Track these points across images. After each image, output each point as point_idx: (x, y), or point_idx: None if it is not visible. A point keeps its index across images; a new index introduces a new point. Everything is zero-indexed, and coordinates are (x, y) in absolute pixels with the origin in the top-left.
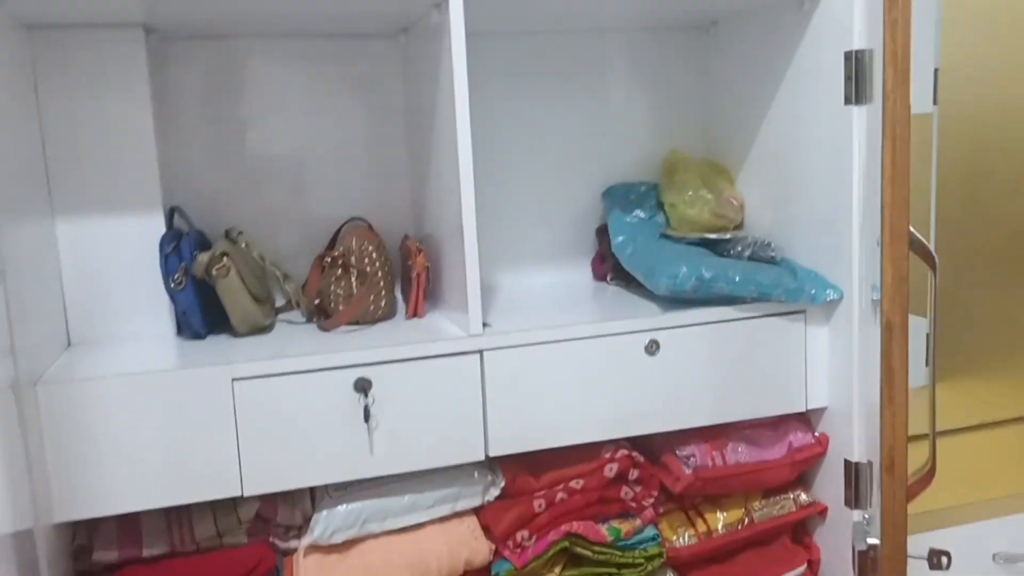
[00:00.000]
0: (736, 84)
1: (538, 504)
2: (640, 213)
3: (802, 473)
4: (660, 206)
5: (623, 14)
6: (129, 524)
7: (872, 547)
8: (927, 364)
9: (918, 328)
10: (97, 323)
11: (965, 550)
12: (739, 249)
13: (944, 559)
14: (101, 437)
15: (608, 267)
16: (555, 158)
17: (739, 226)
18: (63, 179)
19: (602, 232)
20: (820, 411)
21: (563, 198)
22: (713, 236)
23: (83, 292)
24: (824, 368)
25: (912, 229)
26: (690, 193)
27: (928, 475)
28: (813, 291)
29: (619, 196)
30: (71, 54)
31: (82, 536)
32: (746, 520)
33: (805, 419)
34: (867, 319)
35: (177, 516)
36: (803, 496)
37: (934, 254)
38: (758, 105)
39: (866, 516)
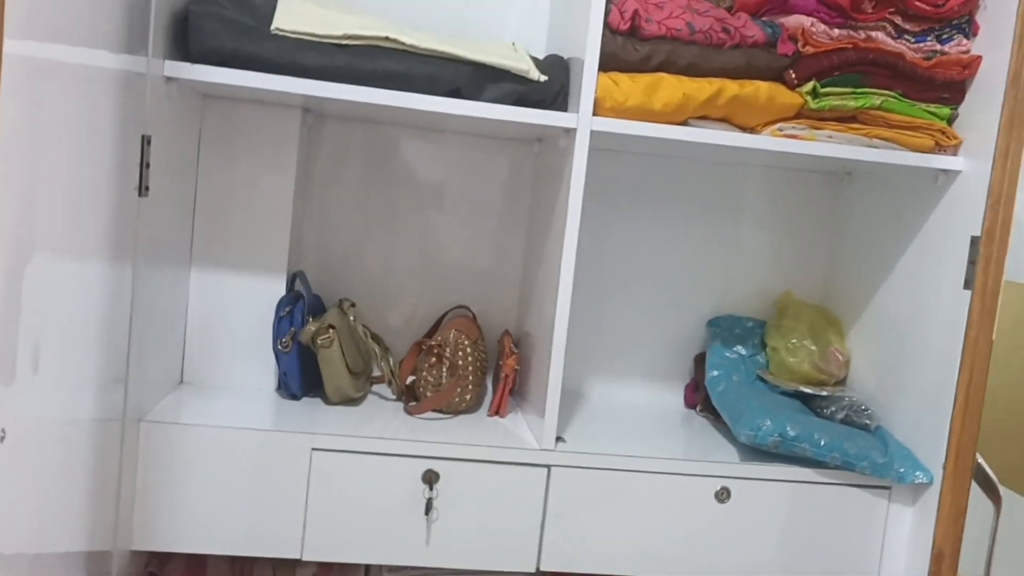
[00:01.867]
0: (862, 239)
1: None
2: (741, 349)
3: None
4: (763, 346)
5: (764, 157)
6: (196, 563)
7: None
8: None
9: None
10: (209, 367)
11: None
12: (833, 409)
13: None
14: (187, 478)
15: (699, 397)
16: (668, 279)
17: (841, 382)
18: (206, 233)
19: (700, 360)
20: None
21: (668, 320)
22: (809, 390)
23: (202, 338)
24: (903, 548)
25: (982, 461)
26: (794, 341)
27: None
28: (902, 470)
29: (724, 328)
30: (235, 123)
31: (154, 565)
32: None
33: None
34: None
35: (240, 565)
36: None
37: (999, 490)
38: (881, 266)
39: None
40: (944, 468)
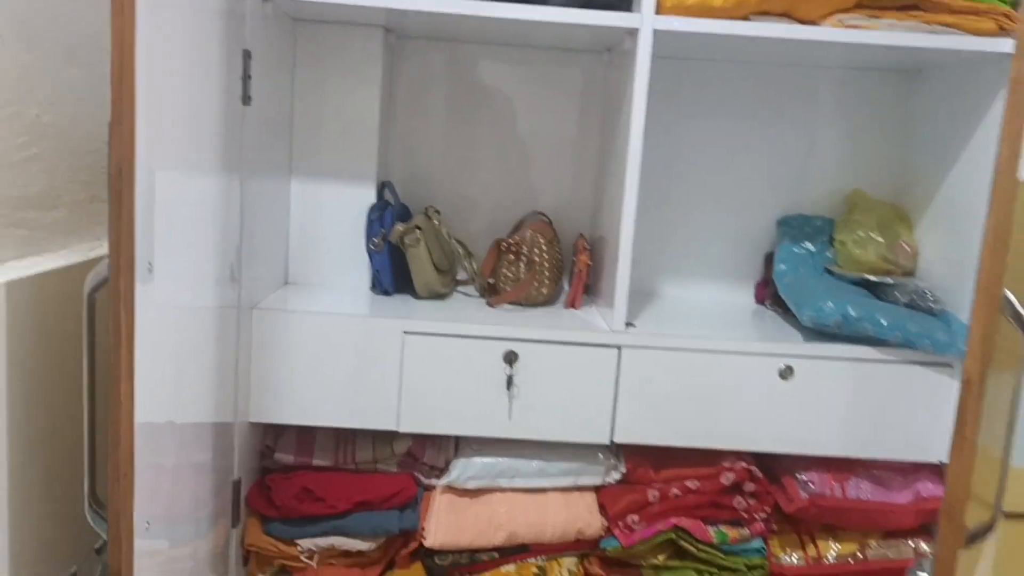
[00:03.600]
0: (932, 133)
1: (653, 495)
2: (809, 246)
3: (926, 523)
4: (832, 243)
5: (830, 57)
6: (306, 436)
7: None
8: None
9: None
10: (311, 268)
11: None
12: (898, 295)
13: None
14: (296, 360)
15: (768, 292)
16: (738, 180)
17: (909, 273)
18: (302, 147)
19: (770, 259)
20: None
21: (740, 220)
22: (874, 278)
23: (304, 242)
24: None
25: (1011, 295)
26: (861, 233)
27: (989, 525)
28: (965, 347)
29: (793, 226)
30: (324, 44)
31: (269, 439)
32: (859, 555)
33: (939, 471)
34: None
35: (344, 438)
36: (923, 545)
37: None
38: (950, 160)
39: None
40: (973, 296)
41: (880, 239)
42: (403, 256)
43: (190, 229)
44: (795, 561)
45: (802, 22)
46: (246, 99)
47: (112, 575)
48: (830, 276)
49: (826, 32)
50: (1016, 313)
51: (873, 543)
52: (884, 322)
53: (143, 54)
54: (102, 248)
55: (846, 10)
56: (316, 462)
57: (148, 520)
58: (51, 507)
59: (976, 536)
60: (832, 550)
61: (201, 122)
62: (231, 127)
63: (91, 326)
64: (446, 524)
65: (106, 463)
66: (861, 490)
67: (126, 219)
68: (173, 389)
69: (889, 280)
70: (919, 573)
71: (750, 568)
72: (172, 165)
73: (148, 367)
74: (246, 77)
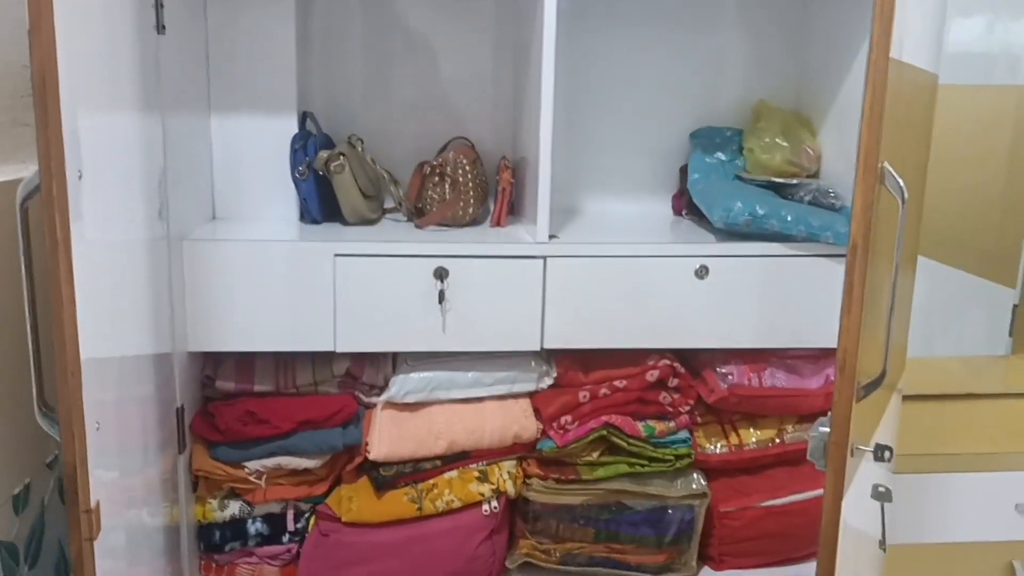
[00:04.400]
0: (829, 40)
1: (583, 396)
2: (721, 155)
3: None
4: (742, 151)
5: None
6: (245, 363)
7: (823, 435)
8: (1010, 335)
9: (1005, 297)
10: (237, 202)
11: (989, 497)
12: (801, 194)
13: (887, 453)
14: (229, 288)
15: (684, 202)
16: (651, 97)
17: (814, 175)
18: (220, 80)
19: (685, 170)
20: None
21: (654, 135)
22: (780, 180)
23: (228, 176)
24: None
25: (887, 165)
26: (767, 140)
27: (879, 378)
28: None
29: (705, 138)
30: None
31: (209, 368)
32: (777, 440)
33: None
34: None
35: (283, 363)
36: None
37: (903, 188)
38: (845, 62)
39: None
40: (856, 170)
41: (785, 144)
42: (330, 185)
43: (114, 162)
44: (719, 449)
45: None
46: (160, 28)
47: (66, 474)
48: (740, 182)
49: None
50: (893, 181)
51: (790, 427)
52: (789, 218)
53: None
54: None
55: None
56: (257, 388)
57: (98, 421)
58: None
59: (869, 387)
60: (752, 437)
61: (117, 49)
62: (147, 57)
63: (26, 237)
64: (388, 437)
65: (53, 369)
66: (776, 378)
67: (52, 123)
68: (109, 322)
69: (794, 181)
70: (820, 428)
71: (677, 458)
72: (92, 92)
73: (85, 301)
74: (159, 5)
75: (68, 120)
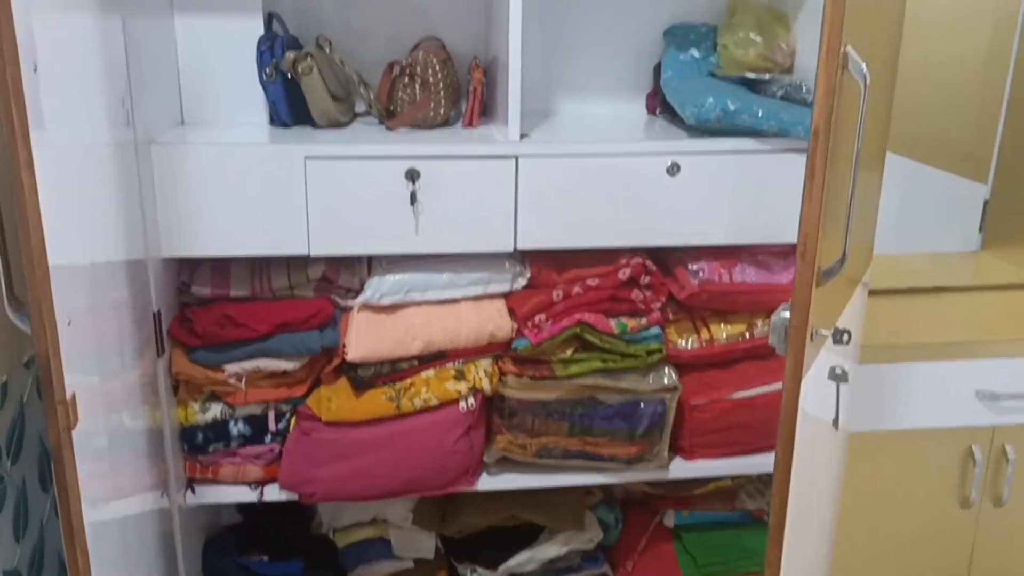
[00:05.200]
0: None
1: (557, 295)
2: (695, 53)
3: None
4: (715, 48)
5: None
6: (221, 269)
7: (784, 320)
8: (980, 230)
9: (976, 193)
10: (205, 107)
11: (952, 385)
12: (774, 89)
13: (845, 336)
14: (201, 192)
15: (658, 101)
16: None
17: (788, 71)
18: None
19: (659, 69)
20: None
21: (628, 34)
22: (752, 76)
23: (195, 80)
24: None
25: (851, 49)
26: (740, 35)
27: (840, 263)
28: None
29: (679, 35)
30: None
31: (185, 274)
32: (747, 335)
33: None
34: None
35: (259, 267)
36: None
37: (866, 73)
38: None
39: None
40: (818, 54)
41: (759, 39)
42: (299, 88)
43: (73, 64)
44: (690, 345)
45: None
46: None
47: (40, 366)
48: (713, 78)
49: None
50: (856, 65)
51: (759, 322)
52: (760, 113)
53: None
54: None
55: None
56: (233, 293)
57: (69, 317)
58: None
59: (829, 273)
60: (723, 332)
61: None
62: None
63: None
64: (365, 338)
65: (22, 266)
66: (747, 274)
67: (3, 14)
68: (76, 226)
69: (767, 77)
70: (781, 313)
71: (649, 354)
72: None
73: (51, 206)
74: None
75: (20, 15)
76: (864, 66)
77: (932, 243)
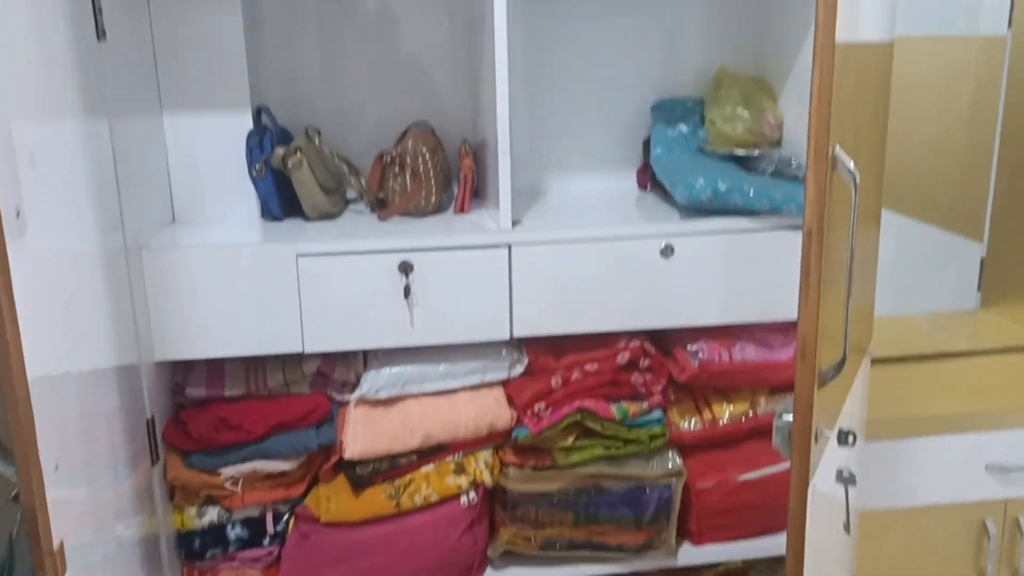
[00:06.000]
0: (788, 3)
1: (556, 381)
2: (683, 128)
3: None
4: (703, 122)
5: None
6: (215, 369)
7: (787, 423)
8: (978, 289)
9: (972, 250)
10: (197, 203)
11: (960, 458)
12: (764, 165)
13: (851, 437)
14: (193, 294)
15: (648, 177)
16: (610, 71)
17: (776, 144)
18: (169, 80)
19: (648, 144)
20: None
21: (616, 110)
22: (742, 152)
23: (185, 178)
24: None
25: (839, 149)
26: (728, 110)
27: (840, 364)
28: None
29: (666, 110)
30: None
31: (179, 376)
32: (750, 413)
33: None
34: None
35: (254, 366)
36: None
37: (855, 173)
38: (802, 24)
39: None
40: (806, 155)
41: (746, 114)
42: (289, 180)
43: (60, 176)
44: (693, 426)
45: None
46: (100, 34)
47: (27, 518)
48: (702, 155)
49: None
50: (845, 167)
51: (762, 400)
52: (751, 192)
53: None
54: None
55: None
56: (228, 393)
57: (57, 462)
58: None
59: (830, 375)
60: (726, 411)
61: (53, 63)
62: (87, 65)
63: None
64: (363, 434)
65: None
66: (746, 352)
67: None
68: (66, 339)
69: (756, 152)
70: (784, 416)
71: (652, 438)
72: (28, 112)
73: (35, 319)
74: (97, 11)
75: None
76: (852, 166)
77: (930, 301)
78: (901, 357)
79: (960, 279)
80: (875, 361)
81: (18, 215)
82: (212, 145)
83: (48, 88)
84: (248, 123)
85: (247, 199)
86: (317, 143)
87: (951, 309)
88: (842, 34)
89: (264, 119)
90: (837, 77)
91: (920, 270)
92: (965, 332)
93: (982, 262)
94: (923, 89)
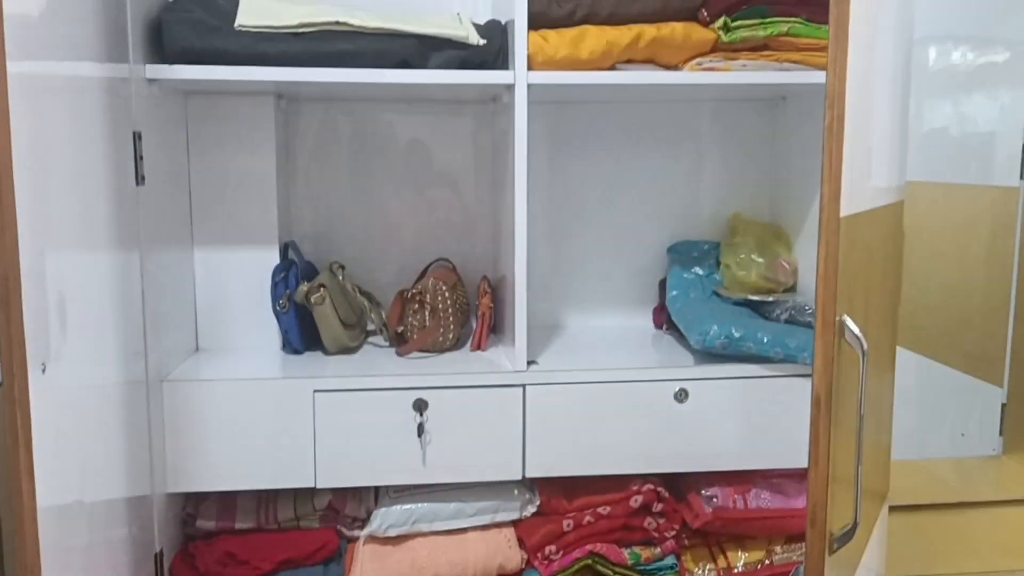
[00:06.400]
0: (799, 152)
1: (567, 524)
2: (699, 270)
3: None
4: (719, 265)
5: (699, 93)
6: (227, 501)
7: None
8: (1000, 434)
9: (993, 395)
10: (221, 334)
11: None
12: (778, 312)
13: None
14: (210, 428)
15: (664, 317)
16: (628, 213)
17: (791, 289)
18: (202, 216)
19: (665, 284)
20: None
21: (634, 250)
22: (756, 298)
23: (211, 309)
24: None
25: (847, 318)
26: (743, 256)
27: (851, 531)
28: None
29: (682, 253)
30: (216, 114)
31: (190, 507)
32: (766, 561)
33: None
34: None
35: (265, 499)
36: None
37: (862, 339)
38: (815, 172)
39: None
40: (814, 326)
41: (760, 260)
42: (311, 314)
43: (89, 311)
44: (707, 573)
45: (665, 67)
46: (140, 179)
47: None
48: (718, 299)
49: (685, 76)
50: (853, 335)
51: (778, 548)
52: (765, 339)
53: (21, 145)
54: None
55: (704, 54)
56: (239, 525)
57: None
58: None
59: (842, 540)
60: (741, 559)
61: (92, 206)
62: (125, 208)
63: None
64: (370, 573)
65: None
66: (762, 499)
67: (15, 326)
68: (79, 470)
69: (770, 299)
70: None
71: None
72: (62, 257)
73: (49, 449)
74: (138, 158)
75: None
76: (860, 334)
77: (953, 445)
78: (922, 505)
79: (982, 423)
80: (895, 508)
81: (44, 370)
82: (239, 278)
83: (84, 230)
84: (275, 258)
85: (269, 331)
86: (340, 279)
87: (973, 455)
88: (848, 208)
89: (290, 254)
90: (843, 249)
91: (942, 412)
92: (988, 480)
93: (1003, 407)
94: (940, 233)
